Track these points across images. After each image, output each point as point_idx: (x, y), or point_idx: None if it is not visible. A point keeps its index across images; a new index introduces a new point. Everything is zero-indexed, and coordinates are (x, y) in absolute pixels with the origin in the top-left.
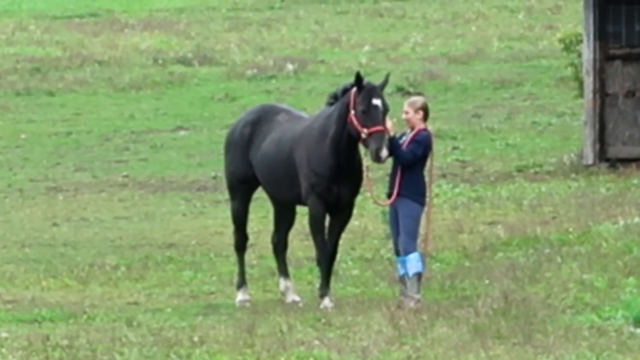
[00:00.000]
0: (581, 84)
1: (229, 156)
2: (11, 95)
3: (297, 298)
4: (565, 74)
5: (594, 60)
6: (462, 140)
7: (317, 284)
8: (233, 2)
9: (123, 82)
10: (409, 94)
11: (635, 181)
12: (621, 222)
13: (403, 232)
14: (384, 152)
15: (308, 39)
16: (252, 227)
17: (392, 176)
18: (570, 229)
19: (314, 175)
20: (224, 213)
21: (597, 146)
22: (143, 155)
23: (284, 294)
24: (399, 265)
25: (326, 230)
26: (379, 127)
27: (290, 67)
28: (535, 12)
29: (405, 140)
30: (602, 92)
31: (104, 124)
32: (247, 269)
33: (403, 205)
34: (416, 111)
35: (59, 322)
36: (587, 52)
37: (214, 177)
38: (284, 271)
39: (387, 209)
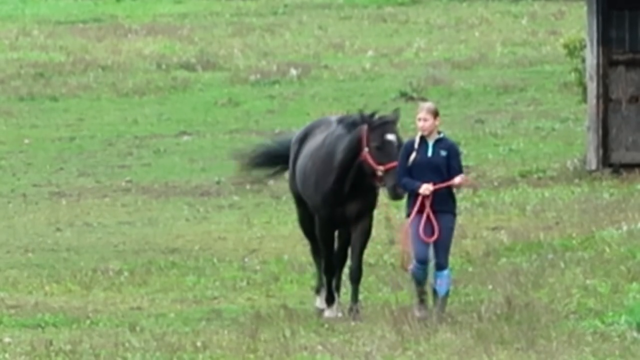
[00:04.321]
0: (584, 90)
1: (289, 173)
2: (14, 100)
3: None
4: (568, 80)
5: (598, 65)
6: (466, 145)
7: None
8: (236, 8)
9: (126, 87)
10: (412, 99)
11: (638, 187)
12: (624, 228)
13: (444, 247)
14: (400, 191)
15: (311, 44)
16: (255, 232)
17: (434, 191)
18: (574, 235)
19: (319, 195)
20: (227, 218)
21: (601, 151)
22: (146, 161)
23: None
24: (419, 269)
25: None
26: (395, 163)
27: (293, 72)
28: (538, 18)
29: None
30: (605, 98)
31: (107, 129)
32: (250, 275)
33: (445, 220)
34: (435, 117)
35: (62, 327)
36: (590, 57)
37: (218, 182)
38: (336, 286)
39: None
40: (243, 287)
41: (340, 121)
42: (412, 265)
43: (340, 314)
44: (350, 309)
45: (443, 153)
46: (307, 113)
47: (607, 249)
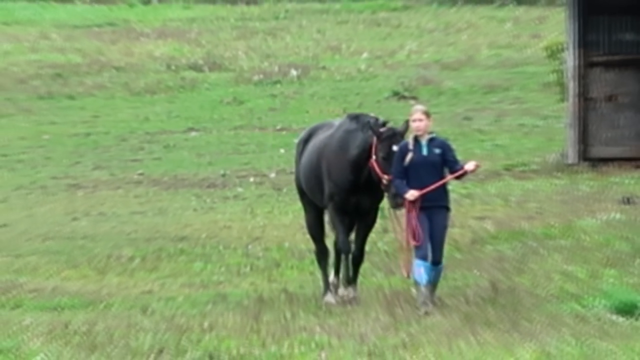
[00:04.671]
0: (564, 89)
1: (295, 170)
2: (34, 98)
3: (349, 294)
4: (549, 80)
5: (577, 67)
6: (454, 141)
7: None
8: (241, 12)
9: (138, 86)
10: (404, 98)
11: (614, 179)
12: (601, 218)
13: (439, 244)
14: (400, 199)
15: (310, 47)
16: (258, 221)
17: (423, 187)
18: (554, 224)
19: (333, 185)
20: (232, 208)
21: (579, 147)
22: (157, 155)
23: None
24: (420, 269)
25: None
26: None
27: (293, 72)
28: (521, 22)
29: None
30: (584, 97)
31: (121, 126)
32: (253, 261)
33: (440, 217)
34: (428, 118)
35: (78, 310)
36: (570, 59)
37: (223, 175)
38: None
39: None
40: (247, 272)
41: (354, 118)
42: (414, 271)
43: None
44: (348, 293)
45: (437, 151)
46: (306, 111)
47: (586, 238)
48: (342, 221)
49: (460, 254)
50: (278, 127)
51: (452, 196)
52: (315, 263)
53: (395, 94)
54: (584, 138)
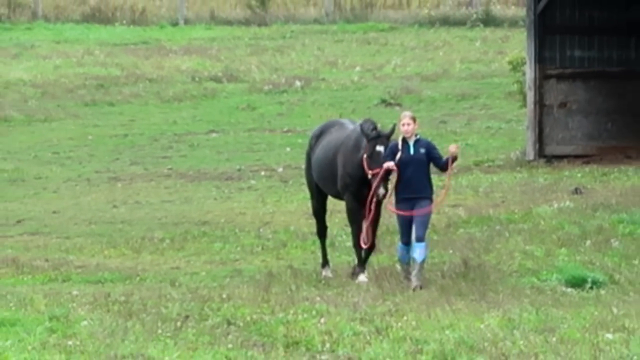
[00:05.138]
0: (524, 97)
1: (305, 162)
2: (80, 105)
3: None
4: (512, 89)
5: (534, 78)
6: (432, 140)
7: (354, 262)
8: (254, 33)
9: (168, 95)
10: (390, 104)
11: (566, 173)
12: (555, 205)
13: (423, 224)
14: (381, 190)
15: (312, 62)
16: (268, 208)
17: (416, 181)
18: (516, 210)
19: (348, 177)
20: (246, 198)
21: (537, 146)
22: (183, 153)
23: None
24: (403, 251)
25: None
26: (378, 170)
27: (298, 83)
28: (488, 41)
29: (401, 149)
30: (540, 104)
31: (153, 128)
32: (264, 242)
33: (424, 203)
34: (415, 122)
35: (117, 283)
36: (529, 72)
37: (239, 170)
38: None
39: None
40: (258, 251)
41: (364, 122)
42: (398, 252)
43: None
44: (354, 271)
45: (422, 150)
46: (308, 115)
47: (542, 222)
48: (358, 209)
49: (436, 236)
50: (285, 130)
51: None
52: (317, 242)
53: (383, 101)
54: (540, 138)
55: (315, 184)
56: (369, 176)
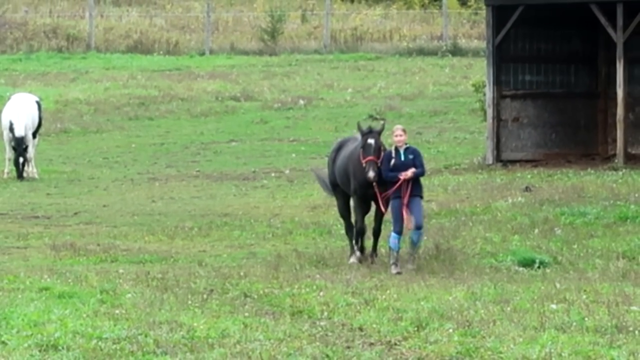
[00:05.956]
0: (485, 113)
1: (328, 170)
2: (126, 120)
3: (353, 260)
4: (475, 107)
5: (493, 98)
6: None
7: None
8: (265, 61)
9: (196, 111)
10: (376, 119)
11: (518, 174)
12: (510, 200)
13: (420, 216)
14: (371, 174)
15: (313, 84)
16: (277, 203)
17: (408, 182)
18: (478, 205)
19: (356, 183)
20: (260, 194)
21: (495, 152)
22: (209, 158)
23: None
24: (395, 240)
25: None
26: (369, 158)
27: (301, 102)
28: (456, 68)
29: (397, 158)
30: (498, 118)
31: (184, 138)
32: (274, 230)
33: (418, 200)
34: (405, 133)
35: (155, 263)
36: (489, 92)
37: (254, 171)
38: (360, 248)
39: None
40: (269, 237)
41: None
42: (390, 241)
43: (357, 261)
44: (370, 255)
45: (411, 156)
46: (310, 128)
47: (499, 214)
48: (362, 208)
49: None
50: (291, 139)
51: None
52: (345, 235)
53: (370, 116)
54: (498, 146)
55: (340, 189)
56: (363, 164)
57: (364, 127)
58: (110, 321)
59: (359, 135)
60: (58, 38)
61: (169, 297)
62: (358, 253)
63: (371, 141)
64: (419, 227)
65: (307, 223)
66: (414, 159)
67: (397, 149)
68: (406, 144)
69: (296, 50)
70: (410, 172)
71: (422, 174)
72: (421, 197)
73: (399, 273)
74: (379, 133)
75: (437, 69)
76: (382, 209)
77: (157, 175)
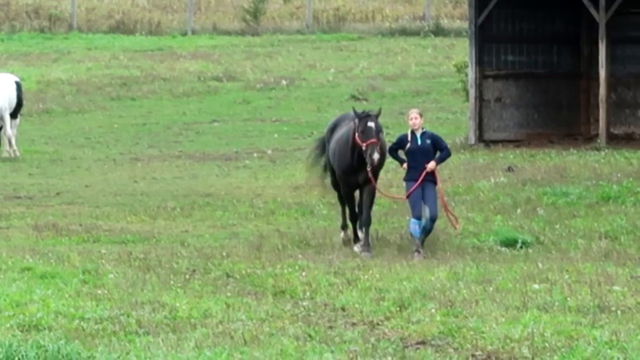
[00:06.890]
0: (467, 93)
1: (318, 148)
2: (108, 100)
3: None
4: (457, 87)
5: (475, 78)
6: (392, 128)
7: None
8: (248, 41)
9: (179, 92)
10: (358, 99)
11: (501, 154)
12: (492, 180)
13: (434, 206)
14: (375, 156)
15: (295, 65)
16: (259, 183)
17: (423, 168)
18: (460, 185)
19: (340, 169)
20: (242, 174)
21: (477, 133)
22: (191, 138)
23: (345, 241)
24: (415, 225)
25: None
26: (372, 141)
27: (284, 82)
28: (438, 48)
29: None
30: (480, 99)
31: (166, 118)
32: (256, 210)
33: (433, 187)
34: (421, 117)
35: (137, 243)
36: (471, 73)
37: (236, 152)
38: (350, 227)
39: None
40: (252, 218)
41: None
42: (410, 227)
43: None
44: (363, 244)
45: (428, 141)
46: (292, 108)
47: (481, 194)
48: (350, 194)
49: (396, 205)
50: (273, 120)
51: (391, 166)
52: (339, 206)
53: (353, 96)
54: (480, 127)
55: (334, 171)
56: (363, 147)
57: (360, 111)
58: (92, 301)
59: (352, 114)
60: (40, 18)
61: (151, 278)
62: (350, 233)
63: (371, 124)
64: (433, 219)
65: (290, 203)
66: (433, 144)
67: (413, 133)
68: (423, 128)
69: (278, 31)
70: (432, 164)
71: (448, 154)
72: (435, 184)
73: (420, 259)
74: (377, 116)
75: (419, 49)
76: (375, 188)
77: (140, 156)
